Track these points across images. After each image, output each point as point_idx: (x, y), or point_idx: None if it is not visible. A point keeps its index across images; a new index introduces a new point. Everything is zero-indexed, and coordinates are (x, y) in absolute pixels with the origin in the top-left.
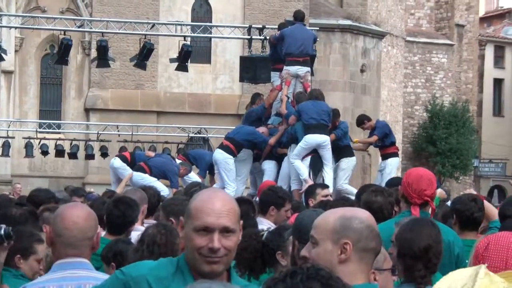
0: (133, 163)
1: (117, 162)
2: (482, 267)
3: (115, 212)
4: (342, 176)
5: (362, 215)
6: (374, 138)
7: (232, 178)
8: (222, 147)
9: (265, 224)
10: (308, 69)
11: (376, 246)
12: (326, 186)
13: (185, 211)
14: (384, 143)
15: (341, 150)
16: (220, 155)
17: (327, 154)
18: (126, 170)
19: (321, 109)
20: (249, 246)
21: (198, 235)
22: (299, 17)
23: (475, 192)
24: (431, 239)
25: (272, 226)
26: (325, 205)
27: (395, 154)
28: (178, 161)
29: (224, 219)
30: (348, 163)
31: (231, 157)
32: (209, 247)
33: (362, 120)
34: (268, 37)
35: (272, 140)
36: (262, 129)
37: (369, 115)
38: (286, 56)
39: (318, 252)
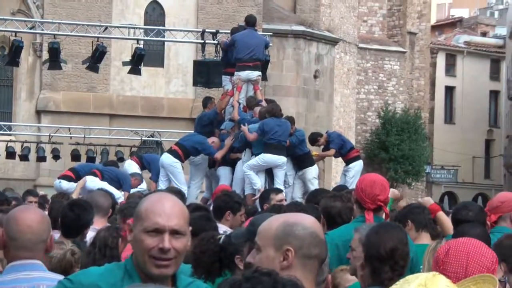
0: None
1: (168, 159)
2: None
3: (70, 215)
4: (311, 187)
5: (306, 221)
6: (332, 151)
7: (181, 181)
8: (170, 151)
9: (221, 229)
10: (259, 72)
11: (320, 253)
12: (280, 191)
13: (134, 214)
14: (342, 151)
15: (302, 160)
16: (167, 159)
17: (281, 174)
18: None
19: (284, 130)
20: (207, 250)
21: (148, 236)
22: (250, 21)
23: (431, 201)
24: (397, 241)
25: (229, 231)
26: (279, 210)
27: (358, 158)
28: (131, 162)
29: (174, 221)
30: (312, 172)
31: (178, 161)
32: (159, 248)
33: (315, 138)
34: (219, 42)
35: (218, 155)
36: (213, 139)
37: (322, 121)
38: (237, 61)
39: (261, 258)
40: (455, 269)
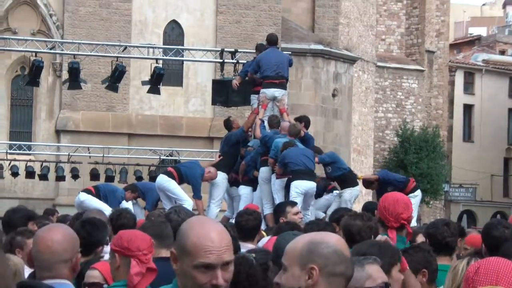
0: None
1: (162, 178)
2: None
3: (81, 232)
4: (343, 205)
5: (330, 239)
6: (375, 177)
7: (182, 196)
8: (165, 172)
9: (245, 248)
10: (285, 91)
11: (346, 270)
12: (295, 203)
13: (178, 246)
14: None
15: (343, 179)
16: (161, 178)
17: (310, 201)
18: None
19: (305, 155)
20: (241, 271)
21: (199, 272)
22: (272, 40)
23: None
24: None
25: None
26: (295, 225)
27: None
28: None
29: (225, 255)
30: (351, 193)
31: (172, 180)
32: (212, 284)
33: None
34: (246, 74)
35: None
36: (210, 169)
37: (340, 139)
38: (263, 79)
39: (287, 277)
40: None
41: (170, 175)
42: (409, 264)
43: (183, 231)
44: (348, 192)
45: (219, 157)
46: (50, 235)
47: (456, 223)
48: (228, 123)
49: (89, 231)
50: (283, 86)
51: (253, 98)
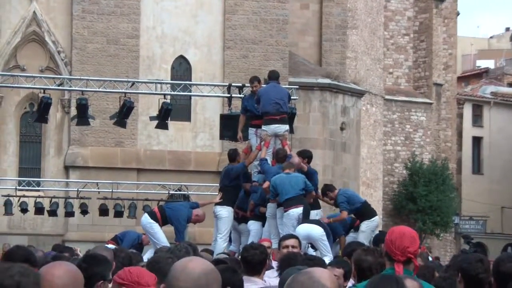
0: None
1: (145, 219)
2: None
3: (82, 265)
4: (361, 238)
5: (315, 270)
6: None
7: (161, 240)
8: (149, 212)
9: (257, 284)
10: (287, 127)
11: None
12: (292, 237)
13: (167, 281)
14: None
15: (362, 213)
16: (144, 219)
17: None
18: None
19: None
20: None
21: None
22: (273, 76)
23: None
24: None
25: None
26: (290, 259)
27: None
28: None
29: None
30: (368, 225)
31: (154, 222)
32: None
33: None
34: (246, 110)
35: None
36: (197, 212)
37: (349, 173)
38: (264, 115)
39: None
40: None
41: (153, 216)
42: None
43: (172, 269)
44: (366, 224)
45: (219, 191)
46: (52, 270)
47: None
48: (233, 154)
49: (89, 264)
50: (284, 121)
51: (251, 131)
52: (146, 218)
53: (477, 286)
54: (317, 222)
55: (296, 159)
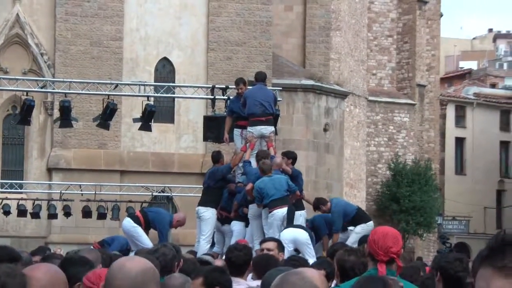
0: (147, 224)
1: (127, 223)
2: None
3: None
4: (352, 238)
5: (306, 271)
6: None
7: (146, 243)
8: (132, 216)
9: (241, 285)
10: (272, 128)
11: None
12: (272, 240)
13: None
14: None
15: (357, 219)
16: (127, 224)
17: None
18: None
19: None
20: None
21: None
22: (259, 77)
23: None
24: None
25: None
26: (264, 259)
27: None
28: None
29: None
30: (363, 228)
31: (137, 226)
32: None
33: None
34: (232, 112)
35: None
36: (178, 217)
37: (332, 174)
38: (249, 117)
39: None
40: None
41: (136, 220)
42: None
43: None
44: (361, 227)
45: (203, 193)
46: (32, 272)
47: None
48: (217, 156)
49: (65, 267)
50: (270, 122)
51: (236, 132)
52: (129, 222)
53: (456, 285)
54: (301, 226)
55: (278, 159)
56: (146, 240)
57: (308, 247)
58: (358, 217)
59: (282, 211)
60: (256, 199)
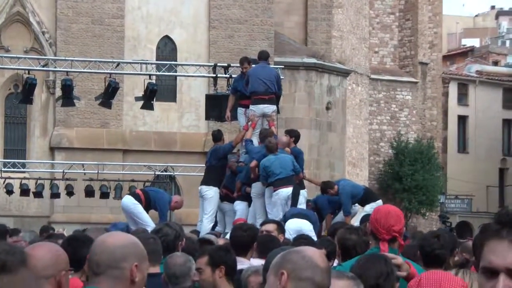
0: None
1: (128, 200)
2: None
3: (67, 250)
4: (360, 216)
5: (306, 250)
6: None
7: (146, 220)
8: (133, 194)
9: (244, 264)
10: (275, 107)
11: (313, 276)
12: (273, 222)
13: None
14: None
15: (365, 199)
16: (127, 200)
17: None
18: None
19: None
20: None
21: None
22: (263, 56)
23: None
24: (381, 278)
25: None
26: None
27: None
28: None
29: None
30: (372, 206)
31: (138, 203)
32: None
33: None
34: (236, 91)
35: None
36: (176, 199)
37: (335, 152)
38: (252, 95)
39: (268, 286)
40: None
41: (137, 197)
42: None
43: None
44: (370, 206)
45: (205, 171)
46: (32, 251)
47: (450, 234)
48: (219, 134)
49: (75, 247)
50: (272, 101)
51: (240, 111)
52: (129, 199)
53: (434, 262)
54: (305, 217)
55: (284, 138)
56: (146, 218)
57: (311, 236)
58: (366, 197)
59: (287, 191)
60: (261, 177)
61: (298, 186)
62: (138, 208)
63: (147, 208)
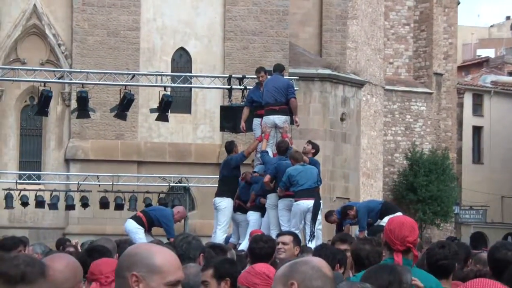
0: (150, 223)
1: (130, 224)
2: None
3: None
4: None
5: (312, 260)
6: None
7: None
8: (134, 217)
9: None
10: (287, 118)
11: (323, 285)
12: (288, 233)
13: (144, 268)
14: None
15: (383, 213)
16: (130, 225)
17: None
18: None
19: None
20: None
21: None
22: (277, 69)
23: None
24: (387, 283)
25: None
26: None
27: None
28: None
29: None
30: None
31: (141, 227)
32: None
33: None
34: (251, 102)
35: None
36: (178, 209)
37: (349, 163)
38: (264, 107)
39: None
40: None
41: (139, 220)
42: None
43: (143, 254)
44: (388, 217)
45: (219, 183)
46: (52, 263)
47: (462, 245)
48: (230, 146)
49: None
50: (283, 112)
51: (256, 122)
52: (131, 223)
53: (440, 272)
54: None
55: (307, 147)
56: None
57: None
58: (384, 210)
59: (308, 203)
60: (281, 184)
61: (319, 199)
62: (139, 232)
63: (149, 229)
